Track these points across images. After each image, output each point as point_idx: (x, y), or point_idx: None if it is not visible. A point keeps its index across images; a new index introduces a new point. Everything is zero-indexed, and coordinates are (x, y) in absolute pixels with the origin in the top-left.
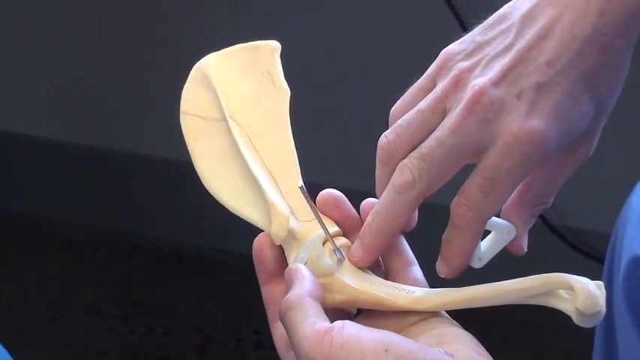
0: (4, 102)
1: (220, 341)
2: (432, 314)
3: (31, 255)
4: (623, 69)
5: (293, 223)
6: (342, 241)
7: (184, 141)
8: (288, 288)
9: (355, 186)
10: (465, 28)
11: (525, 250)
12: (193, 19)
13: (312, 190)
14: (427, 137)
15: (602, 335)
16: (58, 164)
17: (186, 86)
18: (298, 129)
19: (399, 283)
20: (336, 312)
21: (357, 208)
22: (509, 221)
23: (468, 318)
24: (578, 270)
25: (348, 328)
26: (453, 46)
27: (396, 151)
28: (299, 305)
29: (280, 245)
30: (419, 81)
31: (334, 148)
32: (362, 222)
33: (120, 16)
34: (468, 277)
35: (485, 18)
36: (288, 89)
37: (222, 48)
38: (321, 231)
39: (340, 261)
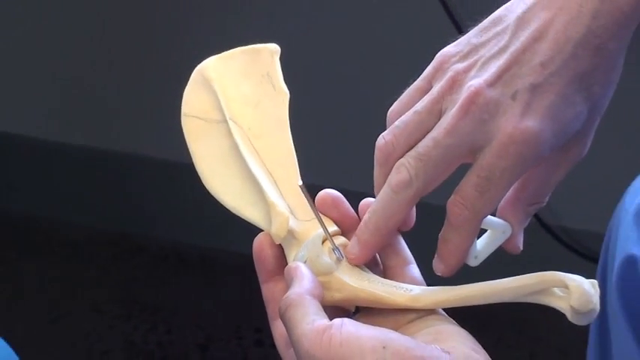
0: (6, 103)
1: (221, 339)
2: (429, 312)
3: (34, 255)
4: (616, 70)
5: (292, 223)
6: (340, 240)
7: (185, 142)
8: (287, 286)
9: (354, 187)
10: (461, 31)
11: (521, 248)
12: (194, 22)
13: (311, 190)
14: (424, 138)
15: (597, 334)
16: (60, 166)
17: (187, 88)
18: (297, 130)
19: (396, 281)
20: (335, 310)
21: (356, 209)
22: (504, 220)
23: (464, 316)
24: (573, 269)
25: (346, 325)
26: (449, 48)
27: (394, 151)
28: (298, 303)
29: (280, 244)
30: (415, 83)
31: (333, 149)
32: (360, 221)
33: (121, 18)
34: (465, 275)
35: (481, 20)
36: (288, 91)
37: (223, 51)
38: (320, 230)
39: (339, 260)
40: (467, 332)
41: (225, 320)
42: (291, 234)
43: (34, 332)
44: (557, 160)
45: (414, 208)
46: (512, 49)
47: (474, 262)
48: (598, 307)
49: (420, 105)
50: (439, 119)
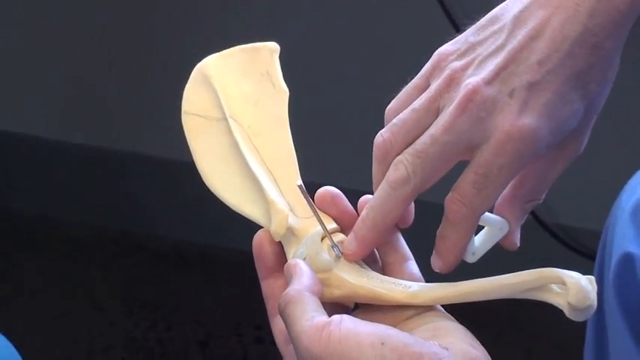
0: (6, 102)
1: (221, 336)
2: (427, 308)
3: (35, 253)
4: (612, 68)
5: (292, 220)
6: (339, 237)
7: (185, 141)
8: (287, 283)
9: (353, 185)
10: (458, 29)
11: (518, 245)
12: (194, 21)
13: (310, 188)
14: (421, 135)
15: (594, 331)
16: (60, 164)
17: (187, 87)
18: (297, 128)
19: (395, 278)
20: (334, 306)
21: (355, 207)
22: (502, 217)
23: (462, 312)
24: (570, 267)
25: (345, 322)
26: (447, 47)
27: (392, 149)
28: (298, 300)
29: (279, 241)
30: (413, 80)
31: (332, 147)
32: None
33: (121, 17)
34: (463, 272)
35: (478, 19)
36: (287, 90)
37: (223, 49)
38: (319, 227)
39: (338, 257)
40: (465, 329)
41: (225, 317)
42: (290, 231)
43: (34, 329)
44: (554, 157)
45: (413, 206)
46: (510, 47)
47: (471, 259)
48: (595, 303)
49: (417, 103)
50: (437, 117)
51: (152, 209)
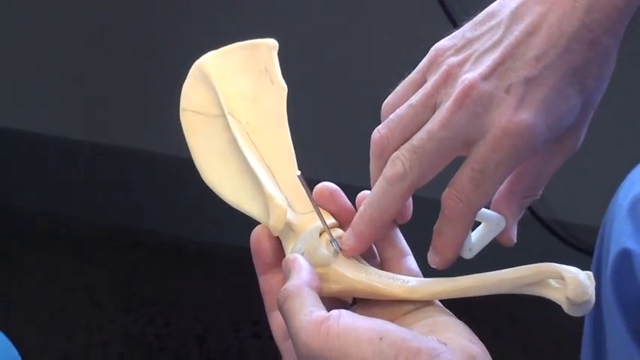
0: (5, 99)
1: (219, 332)
2: (426, 303)
3: (33, 249)
4: (609, 64)
5: (290, 216)
6: (338, 232)
7: (184, 137)
8: (285, 278)
9: (351, 181)
10: (455, 24)
11: (514, 240)
12: (193, 18)
13: (308, 184)
14: (418, 131)
15: (591, 326)
16: (59, 160)
17: (185, 83)
18: (295, 125)
19: (393, 273)
20: (332, 301)
21: (353, 203)
22: (498, 212)
23: (460, 308)
24: (567, 262)
25: (344, 317)
26: (444, 42)
27: (389, 145)
28: (297, 295)
29: (277, 237)
30: (410, 76)
31: (330, 143)
32: None
33: (121, 14)
34: (460, 268)
35: (475, 14)
36: (286, 86)
37: (221, 46)
38: (317, 222)
39: (336, 252)
40: (463, 324)
41: (223, 313)
42: (288, 226)
43: (33, 325)
44: (550, 153)
45: (411, 201)
46: (507, 43)
47: (468, 255)
48: (594, 298)
49: (414, 98)
50: (434, 112)
51: (151, 205)
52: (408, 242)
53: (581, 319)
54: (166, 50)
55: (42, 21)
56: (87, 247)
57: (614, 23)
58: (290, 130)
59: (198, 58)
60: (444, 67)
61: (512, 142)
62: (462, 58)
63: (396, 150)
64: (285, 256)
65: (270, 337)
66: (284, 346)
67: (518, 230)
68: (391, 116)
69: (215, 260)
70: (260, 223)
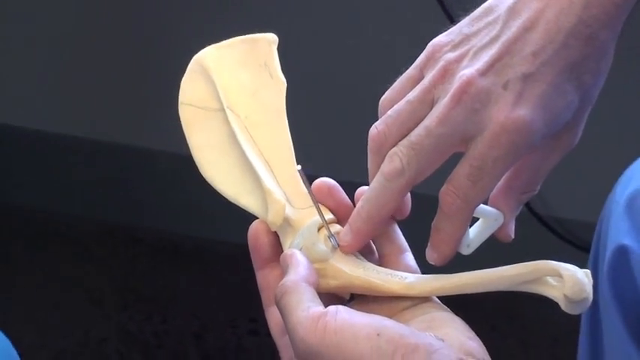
0: (6, 95)
1: (217, 328)
2: (423, 300)
3: (31, 246)
4: (606, 60)
5: (288, 211)
6: (336, 228)
7: (181, 134)
8: (283, 273)
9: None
10: (452, 20)
11: (512, 236)
12: (193, 15)
13: (307, 180)
14: (416, 127)
15: (588, 323)
16: (57, 157)
17: (184, 77)
18: (294, 120)
19: (391, 269)
20: (330, 297)
21: (352, 199)
22: (496, 208)
23: (457, 304)
24: (564, 259)
25: (341, 313)
26: (441, 38)
27: (386, 141)
28: (294, 290)
29: (275, 232)
30: (407, 71)
31: (329, 138)
32: None
33: (121, 11)
34: (458, 264)
35: (472, 10)
36: (285, 81)
37: (221, 40)
38: (316, 218)
39: (334, 247)
40: (461, 320)
41: (220, 310)
42: (287, 222)
43: (31, 322)
44: (548, 149)
45: (410, 197)
46: (504, 38)
47: (466, 251)
48: (591, 296)
49: (412, 94)
50: (431, 108)
51: (148, 202)
52: (406, 238)
53: (578, 315)
54: (166, 48)
55: (42, 19)
56: (84, 243)
57: (612, 19)
58: (289, 125)
59: (197, 52)
60: (441, 63)
61: (510, 139)
62: (460, 53)
63: (393, 146)
64: (282, 251)
65: (268, 334)
66: (281, 341)
67: (515, 227)
68: (389, 112)
69: (212, 257)
70: (258, 218)
